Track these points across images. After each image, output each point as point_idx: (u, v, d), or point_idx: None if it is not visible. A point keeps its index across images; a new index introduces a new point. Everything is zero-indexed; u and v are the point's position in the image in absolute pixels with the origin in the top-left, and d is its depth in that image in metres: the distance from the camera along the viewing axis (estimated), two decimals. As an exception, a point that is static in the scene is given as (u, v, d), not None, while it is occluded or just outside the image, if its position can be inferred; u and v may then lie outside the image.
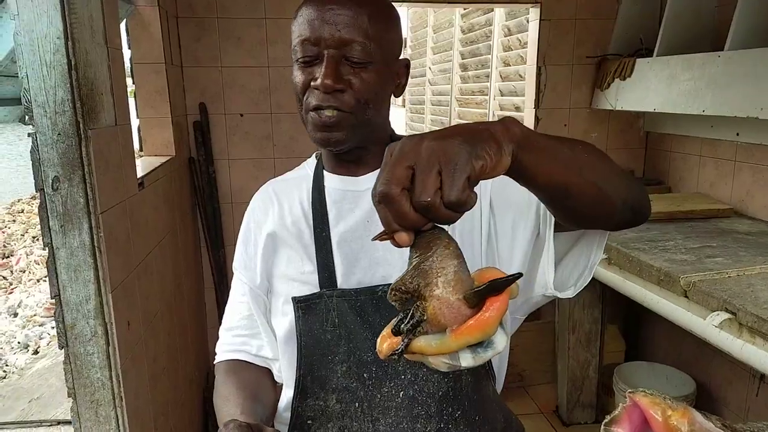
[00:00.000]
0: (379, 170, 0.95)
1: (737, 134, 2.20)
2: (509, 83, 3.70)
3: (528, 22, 2.82)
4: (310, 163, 1.06)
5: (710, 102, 1.99)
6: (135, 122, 2.04)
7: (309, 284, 0.92)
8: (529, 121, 2.81)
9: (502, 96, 3.84)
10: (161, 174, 1.90)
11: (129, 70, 2.02)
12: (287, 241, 0.96)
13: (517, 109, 3.42)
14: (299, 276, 0.94)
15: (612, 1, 2.64)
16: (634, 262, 1.74)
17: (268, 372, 1.04)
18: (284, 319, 0.95)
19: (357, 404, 0.90)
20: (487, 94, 4.16)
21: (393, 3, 0.99)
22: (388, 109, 1.00)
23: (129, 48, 2.02)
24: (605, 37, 2.65)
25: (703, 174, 2.45)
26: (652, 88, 2.30)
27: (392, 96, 0.98)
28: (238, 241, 1.05)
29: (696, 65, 2.05)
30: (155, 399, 1.64)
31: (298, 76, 0.90)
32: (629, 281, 1.76)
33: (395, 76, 0.96)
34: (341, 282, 0.91)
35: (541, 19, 2.64)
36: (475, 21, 4.41)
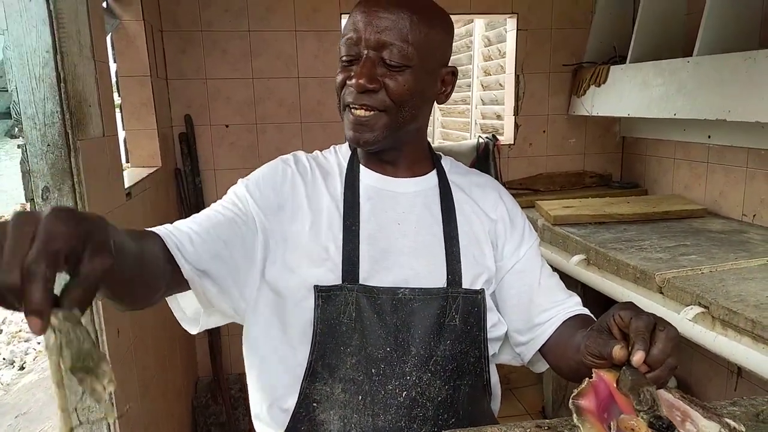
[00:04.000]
0: (418, 178, 1.02)
1: (709, 137, 2.28)
2: (490, 92, 3.77)
3: (506, 32, 2.89)
4: (343, 151, 1.06)
5: (681, 106, 2.06)
6: (121, 134, 2.07)
7: (331, 273, 0.93)
8: (509, 129, 2.87)
9: (483, 105, 3.92)
10: (148, 184, 1.92)
11: (115, 83, 2.04)
12: (315, 228, 0.95)
13: (499, 117, 3.49)
14: (322, 263, 0.93)
15: (586, 11, 2.73)
16: (612, 262, 1.80)
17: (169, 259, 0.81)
18: (302, 301, 0.93)
19: (360, 397, 0.92)
20: (469, 104, 4.23)
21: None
22: (427, 117, 1.02)
23: (114, 61, 2.04)
24: (580, 46, 2.73)
25: (678, 176, 2.53)
26: (626, 93, 2.38)
27: (435, 103, 1.01)
28: (263, 173, 0.99)
29: (667, 71, 2.13)
30: (145, 407, 1.66)
31: (339, 74, 0.94)
32: (608, 280, 1.81)
33: (438, 82, 0.98)
34: (363, 278, 0.93)
35: (518, 29, 2.71)
36: (456, 32, 4.49)
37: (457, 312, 0.94)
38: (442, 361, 0.94)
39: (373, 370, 0.92)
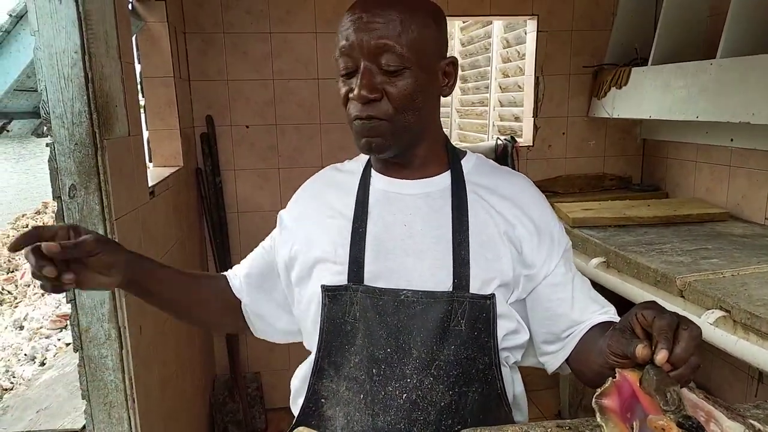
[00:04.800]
0: (427, 179, 1.02)
1: (731, 140, 2.25)
2: (509, 94, 3.76)
3: (526, 34, 2.89)
4: (362, 158, 1.08)
5: (703, 108, 2.04)
6: (145, 134, 2.10)
7: (338, 274, 0.96)
8: (527, 130, 2.86)
9: (501, 107, 3.91)
10: (170, 184, 1.95)
11: (139, 84, 2.08)
12: (328, 231, 1.00)
13: (517, 119, 3.48)
14: (331, 265, 0.97)
15: (607, 12, 2.71)
16: (632, 265, 1.78)
17: (231, 300, 1.13)
18: (315, 301, 0.98)
19: (362, 396, 0.93)
20: (487, 105, 4.22)
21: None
22: (436, 111, 1.01)
23: (139, 62, 2.08)
24: (601, 47, 2.72)
25: (700, 179, 2.50)
26: (647, 95, 2.36)
27: (441, 96, 0.99)
28: (292, 201, 1.11)
29: (689, 73, 2.11)
30: (165, 403, 1.68)
31: (341, 88, 0.94)
32: (627, 283, 1.80)
33: (439, 76, 0.96)
34: (368, 279, 0.94)
35: (538, 31, 2.71)
36: (474, 34, 4.48)
37: (463, 317, 0.91)
38: (446, 366, 0.91)
39: (374, 370, 0.92)
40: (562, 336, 0.97)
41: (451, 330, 0.91)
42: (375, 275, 0.95)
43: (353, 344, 0.94)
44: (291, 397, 1.08)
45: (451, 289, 0.92)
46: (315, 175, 1.12)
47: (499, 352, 0.95)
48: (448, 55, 0.99)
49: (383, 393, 0.92)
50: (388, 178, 1.02)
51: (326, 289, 0.95)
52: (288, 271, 1.05)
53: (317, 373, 0.96)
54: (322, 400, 0.97)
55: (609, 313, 0.98)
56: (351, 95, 0.91)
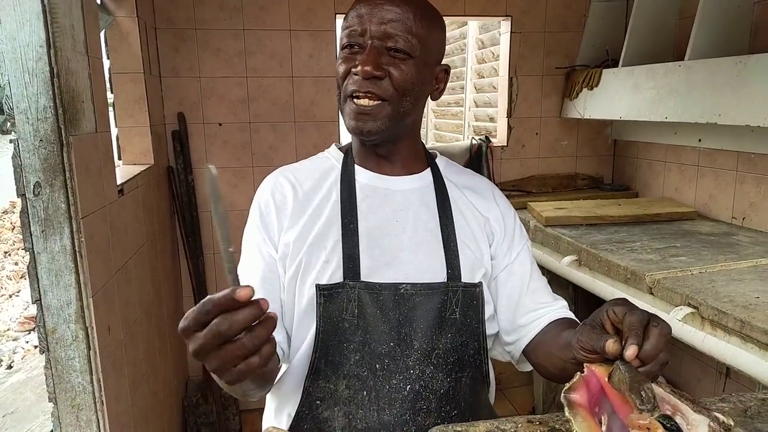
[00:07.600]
0: (414, 176, 1.04)
1: (699, 140, 2.30)
2: (484, 94, 3.79)
3: (500, 35, 2.91)
4: (334, 154, 1.08)
5: (672, 109, 2.08)
6: (114, 131, 2.05)
7: (333, 272, 0.95)
8: (502, 130, 2.89)
9: (477, 107, 3.93)
10: (140, 182, 1.92)
11: (108, 80, 2.03)
12: (315, 230, 0.97)
13: (491, 119, 3.51)
14: (324, 263, 0.95)
15: (579, 15, 2.75)
16: (603, 263, 1.81)
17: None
18: (306, 302, 0.95)
19: (365, 392, 0.93)
20: (462, 106, 4.24)
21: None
22: (421, 113, 1.05)
23: (108, 58, 2.03)
24: (573, 49, 2.75)
25: (669, 179, 2.55)
26: (617, 97, 2.39)
27: (429, 99, 1.04)
28: (253, 224, 1.02)
29: (659, 74, 2.15)
30: (135, 405, 1.65)
31: (342, 65, 0.95)
32: (598, 281, 1.82)
33: (434, 79, 1.02)
34: (364, 275, 0.94)
35: (512, 32, 2.73)
36: (449, 34, 4.50)
37: (457, 305, 0.96)
38: (444, 354, 0.95)
39: (377, 366, 0.93)
40: (517, 325, 1.02)
41: (447, 319, 0.95)
42: (371, 271, 0.95)
43: (352, 341, 0.93)
44: (275, 407, 1.03)
45: (445, 280, 0.97)
46: (264, 190, 1.05)
47: (486, 338, 1.00)
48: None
49: (387, 387, 0.93)
50: (373, 173, 1.03)
51: (321, 289, 0.94)
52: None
53: (313, 374, 0.95)
54: (317, 402, 0.95)
55: (561, 305, 1.04)
56: (354, 69, 0.93)
